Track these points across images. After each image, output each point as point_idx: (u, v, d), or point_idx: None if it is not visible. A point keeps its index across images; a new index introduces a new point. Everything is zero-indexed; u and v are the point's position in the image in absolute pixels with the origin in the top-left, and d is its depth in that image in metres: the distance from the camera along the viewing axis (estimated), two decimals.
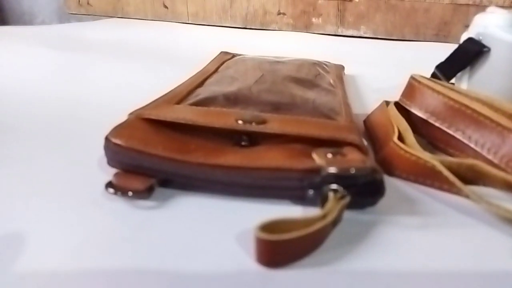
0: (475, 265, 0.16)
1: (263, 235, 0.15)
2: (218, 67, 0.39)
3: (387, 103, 0.30)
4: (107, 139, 0.21)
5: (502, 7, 0.50)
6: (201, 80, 0.33)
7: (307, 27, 0.64)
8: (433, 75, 0.33)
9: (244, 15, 0.68)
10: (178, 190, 0.20)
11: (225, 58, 0.43)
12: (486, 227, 0.18)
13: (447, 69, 0.31)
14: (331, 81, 0.36)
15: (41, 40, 0.59)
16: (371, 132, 0.28)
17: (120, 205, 0.19)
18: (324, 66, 0.41)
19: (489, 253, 0.17)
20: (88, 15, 0.81)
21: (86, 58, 0.49)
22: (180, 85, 0.32)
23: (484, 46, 0.29)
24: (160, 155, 0.20)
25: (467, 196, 0.19)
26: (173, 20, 0.73)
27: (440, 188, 0.21)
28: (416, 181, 0.22)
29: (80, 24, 0.74)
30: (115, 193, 0.19)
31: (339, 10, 0.60)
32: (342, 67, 0.44)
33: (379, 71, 0.47)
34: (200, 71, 0.37)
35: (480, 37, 0.30)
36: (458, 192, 0.20)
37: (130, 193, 0.19)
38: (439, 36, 0.55)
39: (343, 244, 0.17)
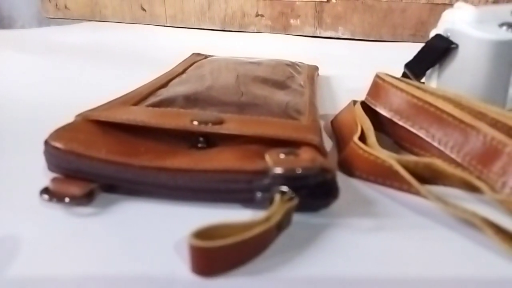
0: (428, 267, 0.15)
1: (196, 242, 0.14)
2: (187, 68, 0.38)
3: (354, 102, 0.29)
4: (46, 142, 0.19)
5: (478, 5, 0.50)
6: (165, 80, 0.32)
7: (285, 29, 0.63)
8: (404, 74, 0.32)
9: (223, 17, 0.67)
10: (124, 196, 0.19)
11: (196, 59, 0.42)
12: (442, 228, 0.17)
13: (416, 67, 0.30)
14: (302, 82, 0.35)
15: (16, 43, 0.57)
16: (337, 132, 0.28)
17: (57, 212, 0.18)
18: (297, 67, 0.40)
19: (444, 255, 0.16)
20: (66, 19, 0.79)
21: (61, 62, 0.48)
22: (143, 85, 0.30)
23: (452, 42, 0.29)
24: (101, 158, 0.19)
25: (425, 196, 0.18)
26: (151, 22, 0.72)
27: (400, 189, 0.20)
28: (376, 181, 0.21)
29: (57, 28, 0.73)
30: (50, 200, 0.18)
31: (316, 11, 0.60)
32: (316, 68, 0.43)
33: (355, 72, 0.46)
34: (167, 72, 0.36)
35: (448, 34, 0.29)
36: (417, 192, 0.19)
37: (67, 199, 0.18)
38: (416, 36, 0.55)
39: (289, 249, 0.16)
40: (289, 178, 0.17)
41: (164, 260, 0.15)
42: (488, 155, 0.20)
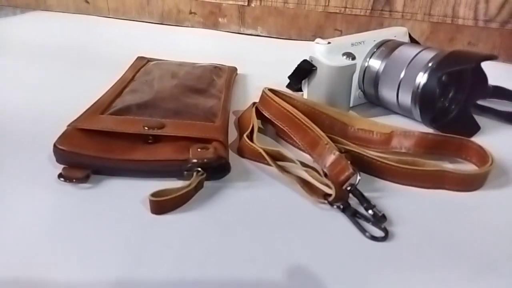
0: (271, 210, 0.31)
1: (151, 198, 0.28)
2: (135, 75, 0.50)
3: (254, 104, 0.44)
4: (55, 145, 0.32)
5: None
6: (119, 90, 0.44)
7: (215, 25, 0.76)
8: (289, 83, 0.47)
9: (160, 13, 0.77)
10: (107, 176, 0.33)
11: (141, 63, 0.54)
12: (282, 185, 0.33)
13: (294, 79, 0.46)
14: (220, 87, 0.48)
15: None
16: (240, 127, 0.42)
17: (68, 187, 0.31)
18: (219, 71, 0.53)
19: (285, 205, 0.31)
20: (10, 6, 0.84)
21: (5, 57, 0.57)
22: (103, 95, 0.43)
23: (313, 65, 0.44)
24: (91, 155, 0.32)
25: (276, 168, 0.34)
26: (94, 14, 0.80)
27: (267, 164, 0.35)
28: (255, 160, 0.36)
29: (2, 20, 0.78)
30: (65, 181, 0.31)
31: (240, 13, 0.73)
32: (235, 70, 0.56)
33: (267, 69, 0.60)
34: (119, 79, 0.48)
35: (311, 59, 0.44)
36: (273, 166, 0.35)
37: (74, 180, 0.31)
38: (316, 37, 0.70)
39: (201, 200, 0.31)
40: (199, 164, 0.31)
41: (135, 209, 0.29)
42: (314, 144, 0.36)
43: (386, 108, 0.47)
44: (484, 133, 0.43)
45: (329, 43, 0.44)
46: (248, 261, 0.26)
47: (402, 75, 0.42)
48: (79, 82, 0.52)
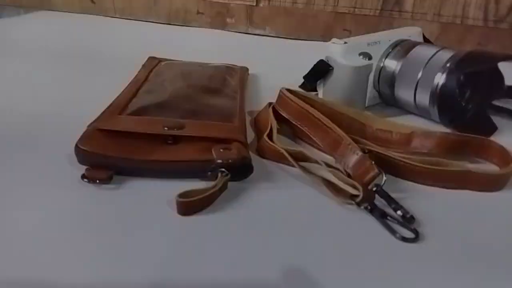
0: (297, 211, 0.30)
1: (179, 199, 0.28)
2: (148, 75, 0.49)
3: (270, 104, 0.43)
4: (77, 146, 0.32)
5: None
6: (134, 90, 0.44)
7: (222, 26, 0.75)
8: (303, 82, 0.47)
9: (168, 13, 0.77)
10: (129, 176, 0.32)
11: (153, 64, 0.53)
12: (307, 186, 0.33)
13: (309, 79, 0.45)
14: (234, 87, 0.48)
15: None
16: (257, 127, 0.42)
17: (91, 188, 0.31)
18: (232, 71, 0.53)
19: (312, 205, 0.31)
20: (13, 6, 0.83)
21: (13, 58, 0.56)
22: (119, 95, 0.42)
23: (329, 66, 0.44)
24: (114, 156, 0.31)
25: (298, 168, 0.34)
26: (100, 15, 0.80)
27: (288, 164, 0.35)
28: (277, 161, 0.36)
29: (8, 20, 0.77)
30: (89, 182, 0.30)
31: (248, 13, 0.72)
32: (247, 70, 0.56)
33: (277, 69, 0.60)
34: (133, 80, 0.47)
35: (328, 60, 0.44)
36: (294, 166, 0.34)
37: (97, 181, 0.31)
38: (325, 37, 0.69)
39: (225, 201, 0.30)
40: (223, 165, 0.31)
41: (161, 210, 0.29)
42: (335, 144, 0.35)
43: (401, 108, 0.47)
44: (501, 133, 0.43)
45: (345, 43, 0.44)
46: (277, 262, 0.25)
47: (419, 75, 0.42)
48: (89, 83, 0.51)
